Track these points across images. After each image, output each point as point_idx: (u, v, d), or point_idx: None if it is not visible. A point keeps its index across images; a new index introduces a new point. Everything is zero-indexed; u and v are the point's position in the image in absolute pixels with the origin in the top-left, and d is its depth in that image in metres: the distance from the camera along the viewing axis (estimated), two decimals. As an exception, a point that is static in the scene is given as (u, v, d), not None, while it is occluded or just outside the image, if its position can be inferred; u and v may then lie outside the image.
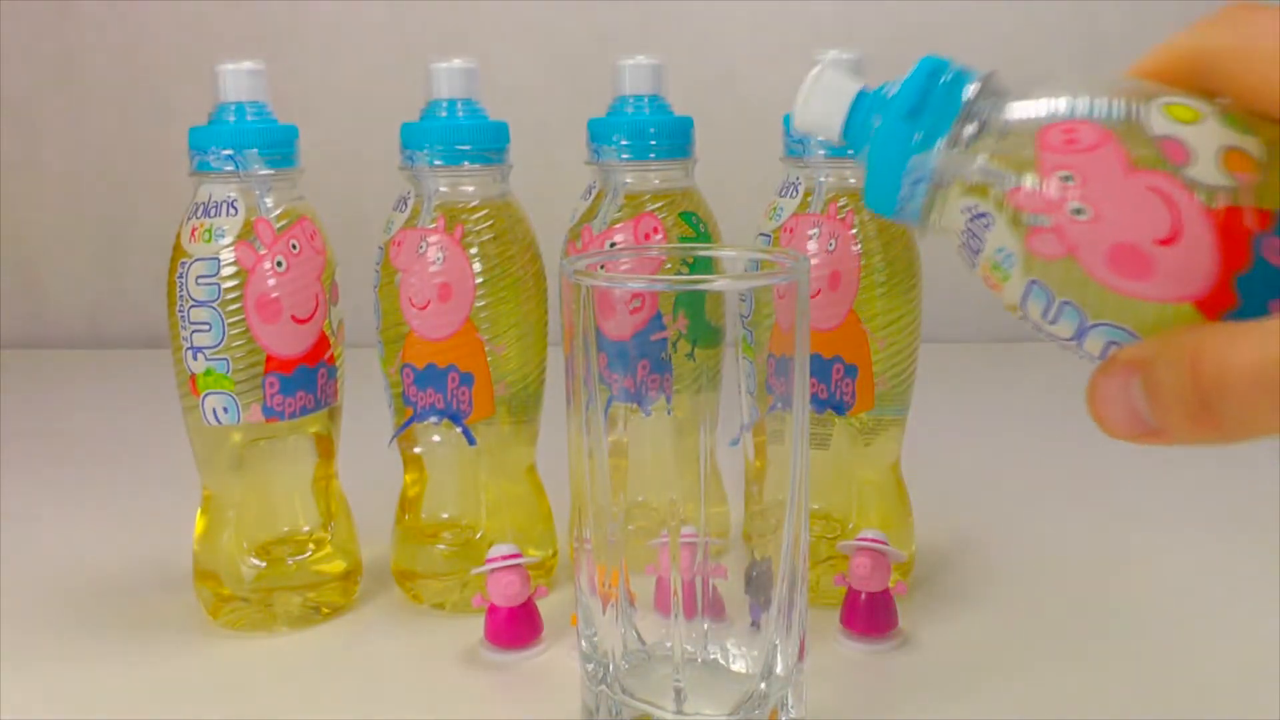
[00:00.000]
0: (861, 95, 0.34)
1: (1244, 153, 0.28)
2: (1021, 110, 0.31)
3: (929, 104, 0.32)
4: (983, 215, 0.31)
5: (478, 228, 0.51)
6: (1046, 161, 0.29)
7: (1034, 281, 0.30)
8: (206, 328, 0.49)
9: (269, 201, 0.50)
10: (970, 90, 0.32)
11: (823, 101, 0.34)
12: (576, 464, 0.40)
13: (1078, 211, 0.28)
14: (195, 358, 0.49)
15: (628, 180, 0.53)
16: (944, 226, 0.33)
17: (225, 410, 0.49)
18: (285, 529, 0.53)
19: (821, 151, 0.50)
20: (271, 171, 0.49)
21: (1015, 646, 0.50)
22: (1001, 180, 0.30)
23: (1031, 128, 0.30)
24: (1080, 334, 0.30)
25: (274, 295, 0.49)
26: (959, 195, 0.31)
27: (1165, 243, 0.28)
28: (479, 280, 0.51)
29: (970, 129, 0.31)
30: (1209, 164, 0.28)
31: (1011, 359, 1.09)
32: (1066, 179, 0.28)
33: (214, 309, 0.48)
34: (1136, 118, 0.29)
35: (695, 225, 0.53)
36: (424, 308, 0.51)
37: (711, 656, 0.42)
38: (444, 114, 0.52)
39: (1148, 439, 0.29)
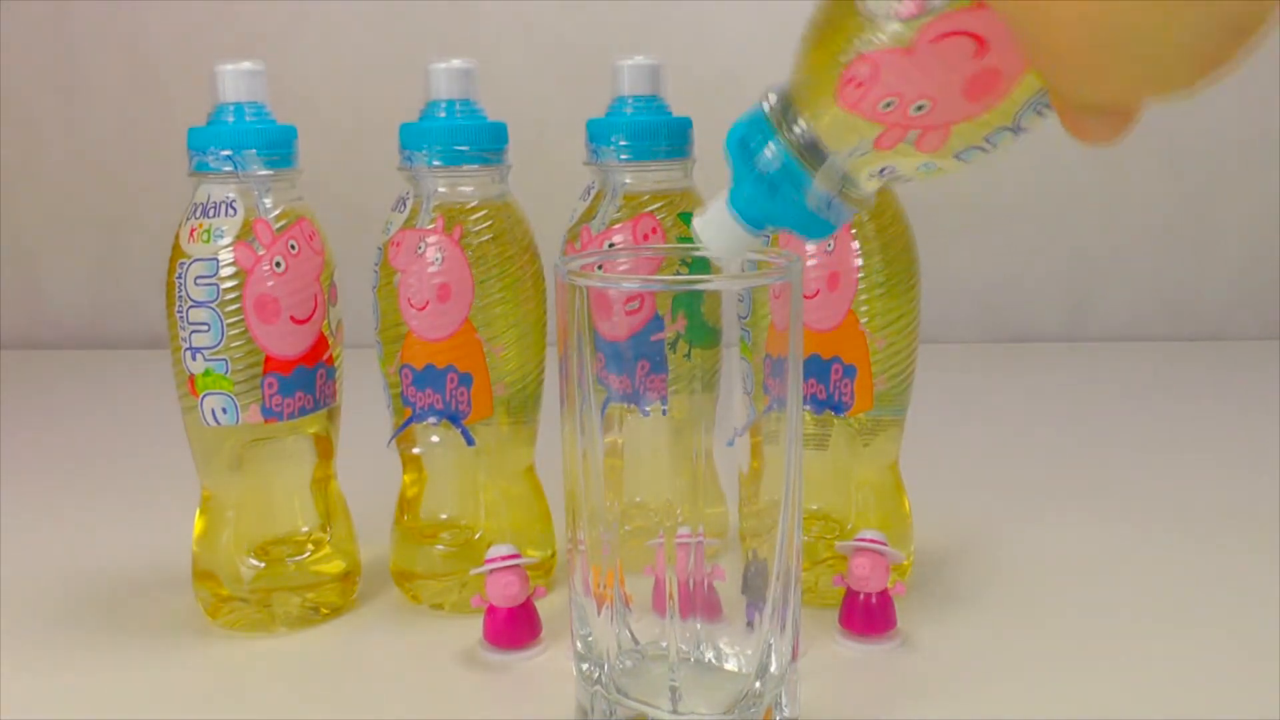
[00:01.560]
0: (733, 202, 0.37)
1: None
2: (817, 107, 0.34)
3: (772, 173, 0.35)
4: (883, 169, 0.35)
5: (476, 228, 0.51)
6: (867, 110, 0.33)
7: (956, 155, 0.34)
8: (205, 328, 0.49)
9: (268, 202, 0.50)
10: (778, 127, 0.35)
11: (720, 235, 0.37)
12: (570, 465, 0.40)
13: (920, 109, 0.32)
14: (194, 358, 0.49)
15: (627, 181, 0.53)
16: (874, 190, 0.36)
17: (224, 411, 0.49)
18: (284, 529, 0.53)
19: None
20: (270, 172, 0.50)
21: (1014, 647, 0.50)
22: (863, 147, 0.34)
23: (831, 105, 0.33)
24: (1017, 132, 0.33)
25: (273, 296, 0.49)
26: (859, 179, 0.35)
27: (981, 54, 0.31)
28: (478, 281, 0.51)
29: (809, 151, 0.34)
30: None
31: (1011, 359, 1.09)
32: (889, 104, 0.32)
33: (213, 309, 0.48)
34: (866, 18, 0.32)
35: (694, 226, 0.53)
36: (423, 308, 0.51)
37: (706, 656, 0.42)
38: (443, 114, 0.52)
39: (1122, 127, 0.31)
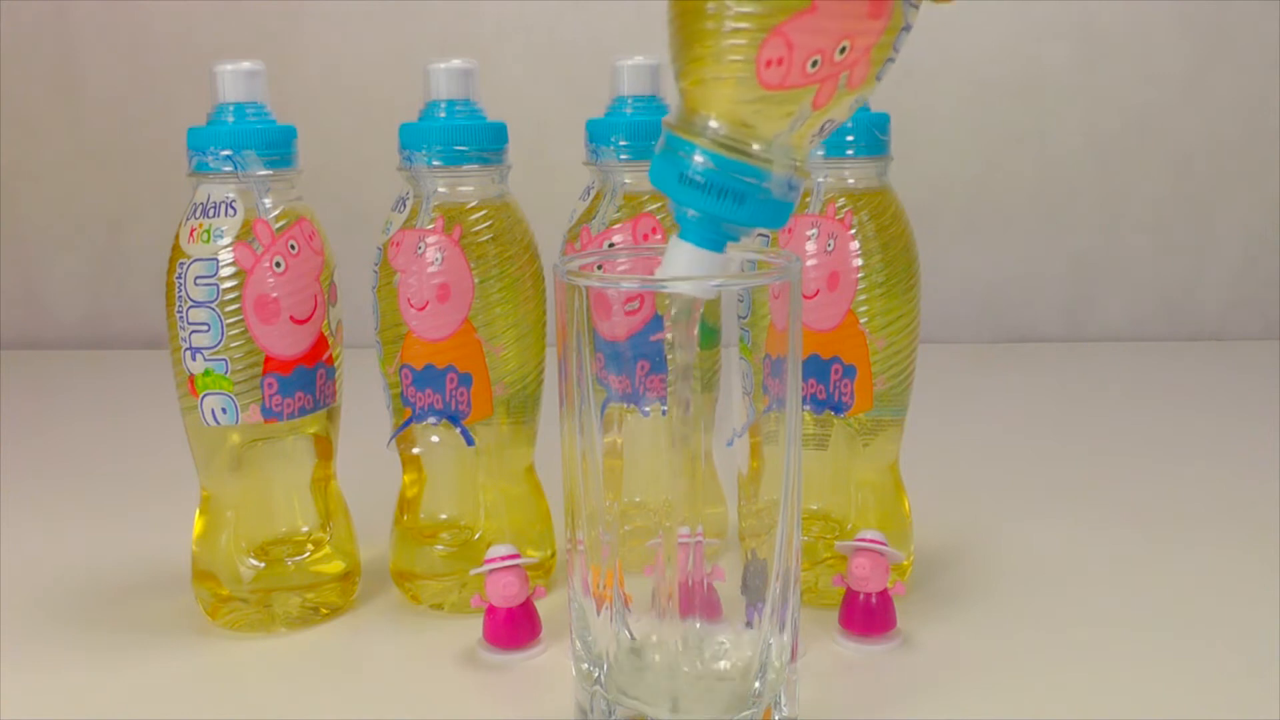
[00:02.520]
0: (690, 236, 0.37)
1: None
2: (740, 104, 0.35)
3: (732, 183, 0.36)
4: (823, 126, 0.36)
5: (476, 228, 0.51)
6: (796, 79, 0.34)
7: (877, 77, 0.36)
8: (205, 328, 0.49)
9: (267, 202, 0.50)
10: (697, 137, 0.36)
11: (696, 274, 0.38)
12: (570, 465, 0.40)
13: (843, 50, 0.34)
14: (194, 358, 0.49)
15: (626, 181, 0.53)
16: (814, 151, 0.38)
17: (224, 411, 0.49)
18: (284, 530, 0.53)
19: (820, 152, 0.50)
20: (270, 172, 0.50)
21: (1013, 647, 0.50)
22: (803, 113, 0.35)
23: (755, 92, 0.34)
24: (909, 30, 0.35)
25: (272, 296, 0.49)
26: (805, 146, 0.36)
27: None
28: (477, 281, 0.51)
29: (737, 143, 0.35)
30: None
31: (1011, 359, 1.09)
32: (815, 63, 0.34)
33: (213, 309, 0.48)
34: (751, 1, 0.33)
35: (694, 226, 0.53)
36: (422, 308, 0.51)
37: (705, 656, 0.42)
38: (442, 114, 0.52)
39: None
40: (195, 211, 0.49)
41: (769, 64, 0.34)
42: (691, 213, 0.37)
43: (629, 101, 0.54)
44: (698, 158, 0.35)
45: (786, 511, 0.40)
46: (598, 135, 0.53)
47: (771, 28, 0.33)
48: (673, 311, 0.38)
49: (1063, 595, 0.55)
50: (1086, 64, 1.11)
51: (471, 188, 0.52)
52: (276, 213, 0.50)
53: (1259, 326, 1.15)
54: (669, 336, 0.39)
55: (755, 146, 0.35)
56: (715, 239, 0.37)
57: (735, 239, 0.37)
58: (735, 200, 0.36)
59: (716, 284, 0.39)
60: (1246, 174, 1.12)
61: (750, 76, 0.34)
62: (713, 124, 0.35)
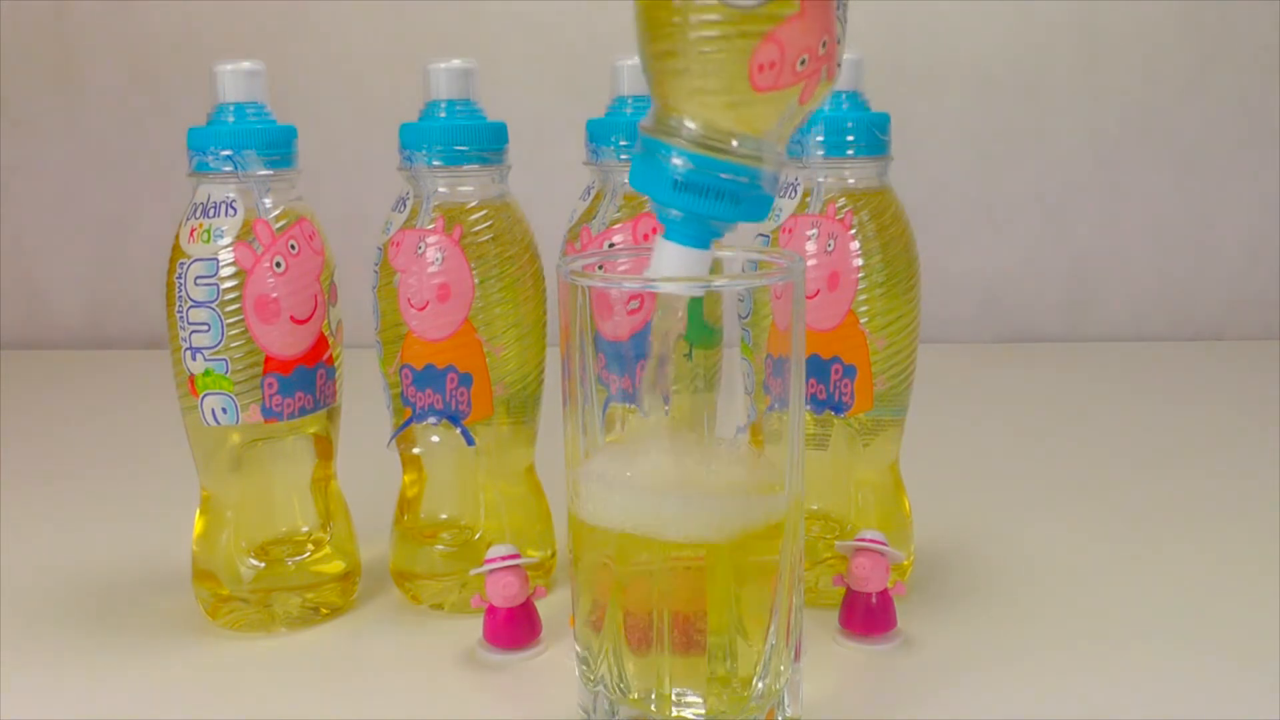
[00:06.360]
0: (677, 234, 0.38)
1: None
2: (729, 108, 0.36)
3: (726, 184, 0.37)
4: (804, 120, 0.37)
5: (476, 228, 0.51)
6: (786, 79, 0.35)
7: (839, 62, 0.37)
8: (205, 328, 0.49)
9: (268, 202, 0.50)
10: (675, 138, 0.37)
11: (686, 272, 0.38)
12: (572, 465, 0.40)
13: (824, 44, 0.35)
14: (194, 358, 0.49)
15: (626, 181, 0.53)
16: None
17: (224, 411, 0.49)
18: (284, 529, 0.53)
19: (820, 152, 0.50)
20: (270, 172, 0.50)
21: (1014, 647, 0.50)
22: (790, 111, 0.36)
23: (748, 94, 0.35)
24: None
25: (273, 296, 0.49)
26: (787, 142, 0.38)
27: None
28: (477, 281, 0.51)
29: (738, 143, 0.36)
30: None
31: (1011, 359, 1.09)
32: (804, 62, 0.35)
33: (213, 309, 0.48)
34: (741, 13, 0.34)
35: (694, 226, 0.53)
36: (423, 308, 0.51)
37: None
38: (443, 114, 0.52)
39: None
40: (195, 211, 0.49)
41: (761, 68, 0.35)
42: (674, 213, 0.37)
43: (629, 101, 0.54)
44: (678, 160, 0.36)
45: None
46: (598, 135, 0.53)
47: (765, 34, 0.34)
48: (659, 310, 0.39)
49: (1063, 595, 0.55)
50: (1087, 64, 1.11)
51: (471, 188, 0.52)
52: (276, 213, 0.50)
53: (1259, 326, 1.15)
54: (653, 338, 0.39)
55: (734, 144, 0.36)
56: (701, 237, 0.38)
57: (720, 235, 0.38)
58: (731, 200, 0.36)
59: (719, 284, 0.39)
60: (1246, 174, 1.12)
61: (743, 81, 0.35)
62: (689, 125, 0.36)
